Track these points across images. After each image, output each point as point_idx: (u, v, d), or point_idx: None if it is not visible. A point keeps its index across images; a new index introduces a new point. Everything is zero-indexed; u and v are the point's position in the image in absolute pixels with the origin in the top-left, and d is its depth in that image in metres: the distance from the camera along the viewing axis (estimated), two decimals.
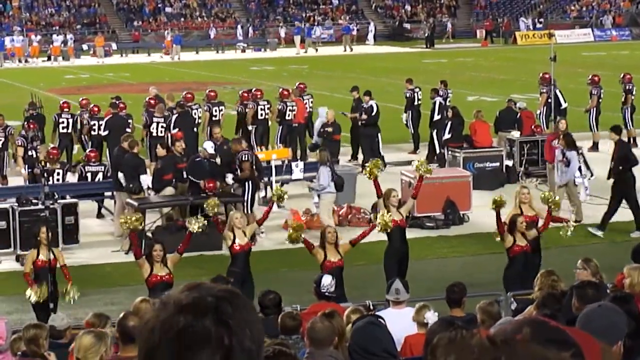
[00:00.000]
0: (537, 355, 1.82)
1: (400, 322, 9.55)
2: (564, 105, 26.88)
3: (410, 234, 19.19)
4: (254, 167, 19.43)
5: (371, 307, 11.69)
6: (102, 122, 23.97)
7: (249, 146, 22.03)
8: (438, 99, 26.10)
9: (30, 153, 22.09)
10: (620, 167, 18.69)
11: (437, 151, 25.39)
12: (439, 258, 17.98)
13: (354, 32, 71.56)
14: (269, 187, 20.46)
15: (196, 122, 24.62)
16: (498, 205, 14.28)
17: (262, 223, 15.73)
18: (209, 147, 19.93)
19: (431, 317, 9.41)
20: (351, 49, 67.11)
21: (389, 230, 14.70)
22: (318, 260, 13.73)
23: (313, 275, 12.69)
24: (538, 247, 15.21)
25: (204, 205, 15.72)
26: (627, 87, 27.83)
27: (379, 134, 24.98)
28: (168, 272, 13.41)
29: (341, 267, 13.68)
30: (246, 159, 19.40)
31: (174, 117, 23.75)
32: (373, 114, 25.12)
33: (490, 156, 22.91)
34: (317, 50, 66.43)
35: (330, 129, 24.09)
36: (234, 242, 14.61)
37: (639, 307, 6.11)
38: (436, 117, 25.77)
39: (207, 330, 2.14)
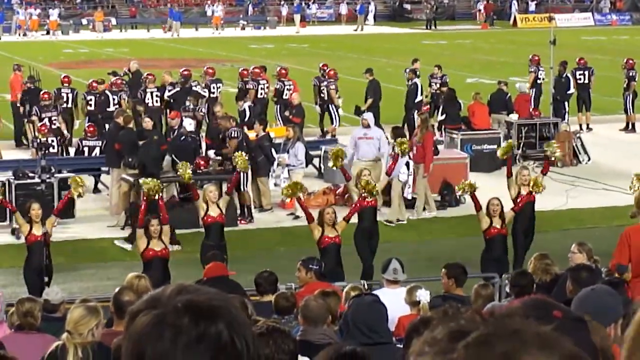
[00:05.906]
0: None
1: (395, 302, 9.56)
2: (571, 90, 26.97)
3: (407, 214, 19.24)
4: (244, 144, 19.17)
5: (366, 286, 11.71)
6: (103, 97, 23.87)
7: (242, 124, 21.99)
8: (417, 80, 25.85)
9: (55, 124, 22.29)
10: None
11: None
12: (435, 239, 17.99)
13: (360, 12, 71.04)
14: (276, 164, 20.19)
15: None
16: (471, 189, 14.15)
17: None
18: (187, 124, 19.81)
19: (423, 294, 9.43)
20: (361, 29, 66.61)
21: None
22: (315, 237, 13.65)
23: (311, 253, 12.64)
24: (532, 228, 15.25)
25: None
26: (630, 74, 27.85)
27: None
28: (164, 247, 13.41)
29: (338, 245, 13.61)
30: (235, 135, 19.24)
31: (174, 91, 23.90)
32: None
33: (487, 138, 22.94)
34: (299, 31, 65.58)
35: (294, 111, 23.73)
36: (206, 213, 14.51)
37: (629, 293, 6.14)
38: (418, 98, 25.55)
39: (219, 333, 2.04)
